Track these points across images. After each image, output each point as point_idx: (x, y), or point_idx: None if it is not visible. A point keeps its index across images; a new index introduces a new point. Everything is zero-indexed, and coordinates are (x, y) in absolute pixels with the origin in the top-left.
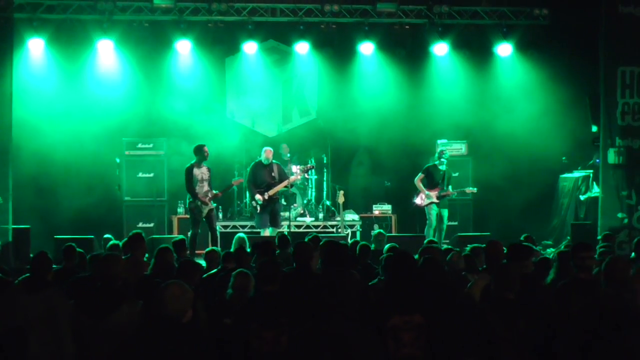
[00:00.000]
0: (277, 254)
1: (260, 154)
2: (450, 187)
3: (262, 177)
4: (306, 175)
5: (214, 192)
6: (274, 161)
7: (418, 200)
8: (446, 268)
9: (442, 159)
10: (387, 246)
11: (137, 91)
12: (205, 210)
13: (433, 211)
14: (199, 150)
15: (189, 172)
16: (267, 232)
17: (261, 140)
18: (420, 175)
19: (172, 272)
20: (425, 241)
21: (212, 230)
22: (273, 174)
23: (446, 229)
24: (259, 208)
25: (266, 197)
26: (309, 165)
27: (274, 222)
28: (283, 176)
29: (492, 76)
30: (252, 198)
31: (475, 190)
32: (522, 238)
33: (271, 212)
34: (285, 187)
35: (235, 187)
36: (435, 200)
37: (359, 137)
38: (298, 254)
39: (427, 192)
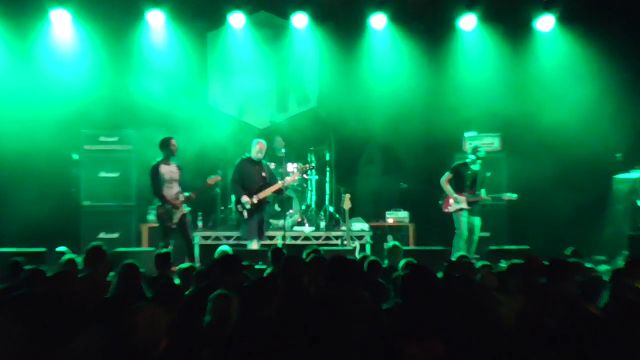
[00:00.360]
0: (270, 271)
1: (250, 149)
2: (483, 190)
3: (252, 176)
4: (305, 176)
5: (186, 194)
6: (263, 161)
7: (445, 206)
8: (475, 288)
9: (474, 156)
10: (402, 262)
11: (99, 72)
12: (177, 216)
13: (463, 218)
14: (166, 145)
15: (155, 171)
16: (254, 244)
17: (250, 132)
18: (447, 175)
19: (140, 293)
20: (457, 254)
21: (187, 241)
22: (263, 174)
23: (477, 241)
24: (245, 214)
25: (255, 200)
26: (308, 165)
27: (261, 232)
28: (272, 179)
29: (530, 55)
30: (238, 201)
31: (515, 197)
32: (567, 252)
33: (259, 220)
34: (279, 190)
35: (218, 190)
36: (465, 206)
37: (369, 129)
38: (288, 270)
39: (455, 195)
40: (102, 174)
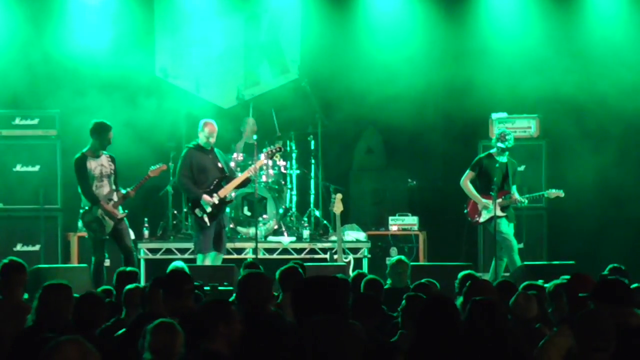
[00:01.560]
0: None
1: (198, 133)
2: (514, 188)
3: (207, 169)
4: (281, 164)
5: (123, 191)
6: (216, 149)
7: (472, 215)
8: (509, 317)
9: (503, 145)
10: (415, 283)
11: (12, 32)
12: (111, 223)
13: (502, 227)
14: (101, 132)
15: (81, 164)
16: (207, 260)
17: (211, 112)
18: (468, 174)
19: (67, 322)
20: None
21: (125, 254)
22: (220, 165)
23: None
24: (207, 220)
25: (216, 200)
26: (272, 148)
27: (218, 243)
28: (231, 172)
29: (581, 12)
30: (195, 204)
31: (562, 193)
32: (606, 272)
33: (218, 227)
34: (246, 183)
35: (169, 189)
36: (500, 212)
37: (367, 108)
38: (245, 290)
39: (484, 201)
40: (18, 168)
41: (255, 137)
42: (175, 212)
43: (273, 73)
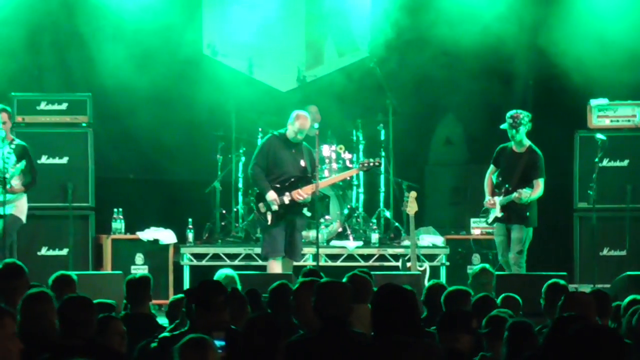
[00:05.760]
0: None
1: (288, 124)
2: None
3: (284, 164)
4: (346, 157)
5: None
6: (304, 144)
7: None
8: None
9: (516, 132)
10: (477, 296)
11: (37, 4)
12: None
13: (496, 237)
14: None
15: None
16: (277, 265)
17: (268, 96)
18: (491, 169)
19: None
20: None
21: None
22: (302, 163)
23: (523, 260)
24: (269, 219)
25: (286, 200)
26: (371, 161)
27: (291, 248)
28: (316, 170)
29: None
30: (259, 198)
31: (526, 196)
32: None
33: (288, 230)
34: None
35: (217, 185)
36: (498, 213)
37: (444, 93)
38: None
39: (488, 197)
40: (43, 160)
41: (317, 126)
42: (224, 211)
43: (339, 51)
